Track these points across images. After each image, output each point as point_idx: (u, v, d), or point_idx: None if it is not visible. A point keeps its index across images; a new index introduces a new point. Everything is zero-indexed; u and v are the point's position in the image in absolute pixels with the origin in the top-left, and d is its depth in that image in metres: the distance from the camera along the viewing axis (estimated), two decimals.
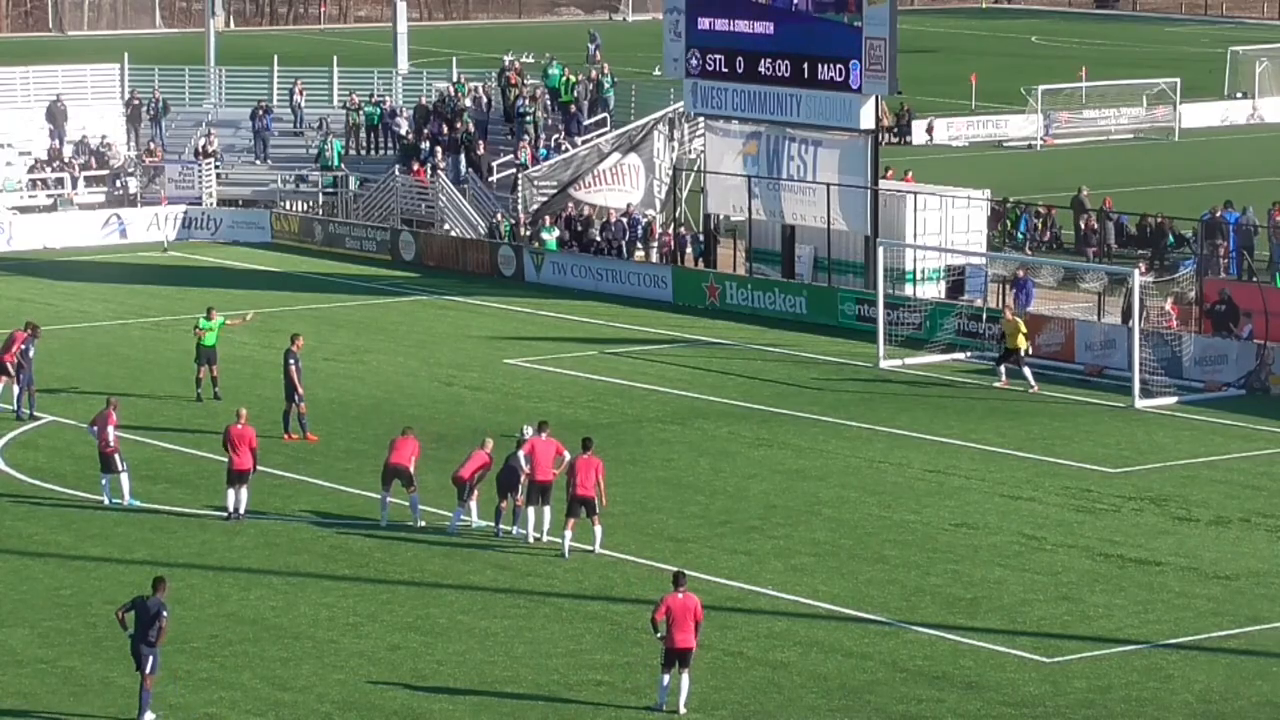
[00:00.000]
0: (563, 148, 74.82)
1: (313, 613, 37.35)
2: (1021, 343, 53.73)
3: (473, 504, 41.55)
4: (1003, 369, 54.04)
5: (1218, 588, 37.95)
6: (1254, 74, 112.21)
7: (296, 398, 48.12)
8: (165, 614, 30.92)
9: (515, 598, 38.37)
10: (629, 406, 51.78)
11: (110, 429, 43.40)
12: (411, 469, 41.95)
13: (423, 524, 42.43)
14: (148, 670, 30.83)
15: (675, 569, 33.06)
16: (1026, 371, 53.56)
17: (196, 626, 35.18)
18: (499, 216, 71.51)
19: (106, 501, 43.13)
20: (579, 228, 70.14)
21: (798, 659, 34.49)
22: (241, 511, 41.92)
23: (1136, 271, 56.29)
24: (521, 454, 41.91)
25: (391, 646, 35.54)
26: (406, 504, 42.01)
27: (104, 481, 43.22)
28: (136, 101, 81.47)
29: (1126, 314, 55.82)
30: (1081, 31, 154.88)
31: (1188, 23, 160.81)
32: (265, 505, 43.37)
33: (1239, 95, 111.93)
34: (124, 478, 43.19)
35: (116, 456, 43.36)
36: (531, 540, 41.21)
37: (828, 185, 63.42)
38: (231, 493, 41.83)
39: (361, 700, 32.81)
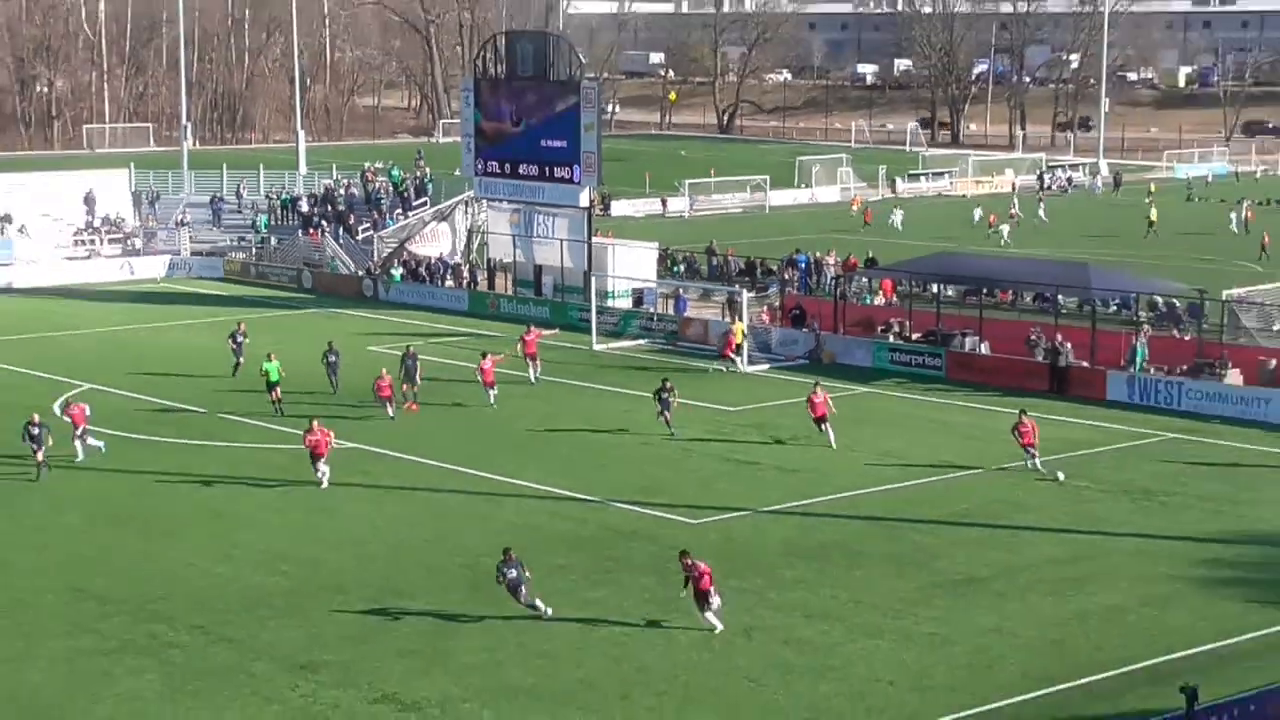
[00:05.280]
0: (400, 218, 77.85)
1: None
2: (740, 339, 54.05)
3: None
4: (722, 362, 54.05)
5: (793, 478, 40.54)
6: (812, 173, 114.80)
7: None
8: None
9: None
10: (436, 370, 52.20)
11: (319, 438, 39.28)
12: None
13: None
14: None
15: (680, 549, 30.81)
16: (739, 363, 54.04)
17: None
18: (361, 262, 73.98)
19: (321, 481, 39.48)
20: (414, 266, 72.24)
21: (547, 522, 36.72)
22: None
23: (744, 291, 59.11)
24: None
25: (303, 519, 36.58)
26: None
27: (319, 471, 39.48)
28: (138, 192, 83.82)
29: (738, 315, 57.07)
30: (712, 147, 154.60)
31: (774, 143, 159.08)
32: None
33: (803, 186, 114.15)
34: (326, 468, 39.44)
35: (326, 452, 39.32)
36: None
37: (561, 240, 65.67)
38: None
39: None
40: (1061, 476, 40.14)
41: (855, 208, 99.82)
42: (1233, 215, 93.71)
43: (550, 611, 30.37)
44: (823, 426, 42.97)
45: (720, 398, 49.78)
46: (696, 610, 29.71)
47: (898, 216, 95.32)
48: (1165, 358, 51.25)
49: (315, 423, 39.81)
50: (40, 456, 40.18)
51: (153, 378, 53.33)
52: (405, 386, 47.71)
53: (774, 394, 50.38)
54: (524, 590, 30.30)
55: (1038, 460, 40.55)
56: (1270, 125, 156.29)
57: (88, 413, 42.61)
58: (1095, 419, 46.92)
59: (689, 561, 29.84)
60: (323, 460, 39.37)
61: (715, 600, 29.80)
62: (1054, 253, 71.46)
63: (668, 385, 45.42)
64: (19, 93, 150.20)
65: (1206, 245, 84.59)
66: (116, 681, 27.66)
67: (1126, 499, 38.97)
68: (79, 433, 41.79)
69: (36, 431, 40.34)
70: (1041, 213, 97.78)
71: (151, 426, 46.58)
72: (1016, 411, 42.10)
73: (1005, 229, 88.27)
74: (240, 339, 52.83)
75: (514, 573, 30.11)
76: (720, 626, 29.65)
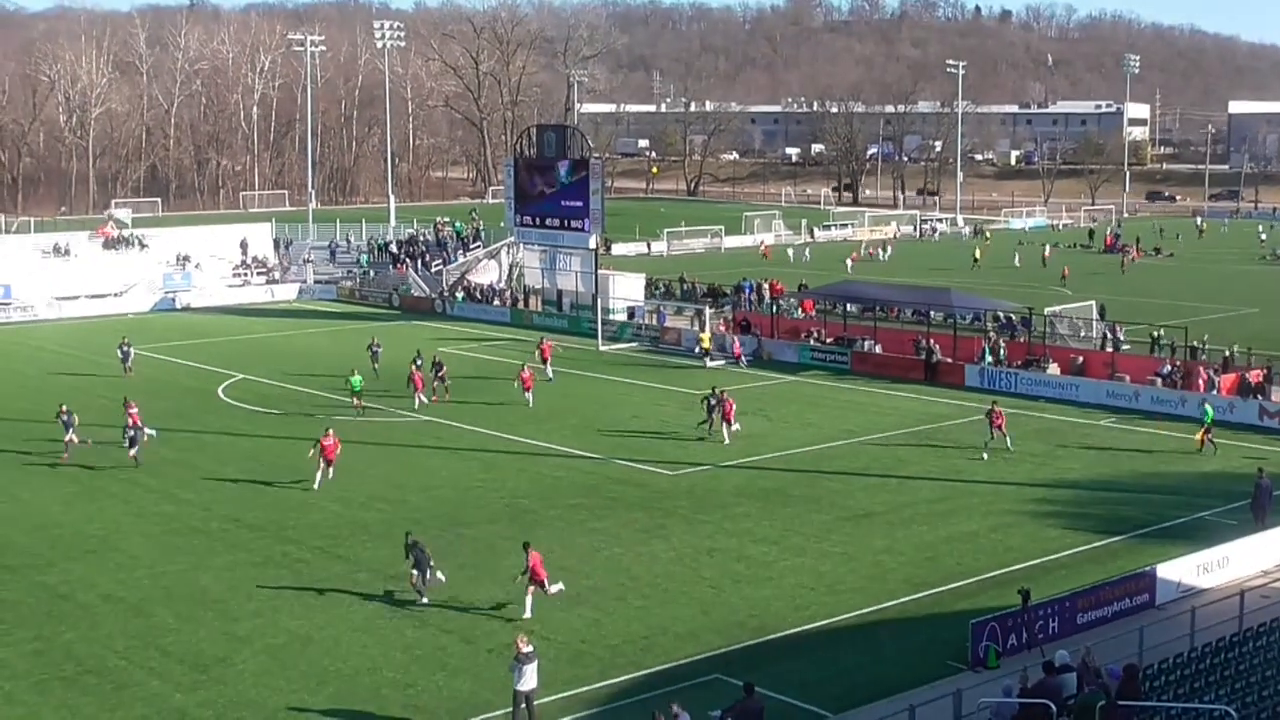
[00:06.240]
0: (461, 256, 76.39)
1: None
2: (707, 344, 53.42)
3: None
4: (707, 360, 52.71)
5: (743, 442, 39.14)
6: (754, 225, 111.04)
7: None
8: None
9: None
10: (486, 368, 51.73)
11: (331, 443, 33.61)
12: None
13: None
14: None
15: None
16: (707, 360, 52.57)
17: None
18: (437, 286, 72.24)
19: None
20: (474, 292, 70.64)
21: (565, 474, 35.73)
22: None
23: (708, 308, 58.99)
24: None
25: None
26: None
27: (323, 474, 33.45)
28: (278, 239, 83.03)
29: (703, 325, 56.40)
30: (682, 206, 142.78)
31: (726, 203, 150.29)
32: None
33: (747, 234, 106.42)
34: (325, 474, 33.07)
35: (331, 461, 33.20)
36: None
37: (576, 272, 65.08)
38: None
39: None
40: (985, 456, 37.34)
41: (762, 249, 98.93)
42: (1016, 254, 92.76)
43: (445, 578, 25.44)
44: (728, 425, 39.17)
45: (690, 384, 48.84)
46: (530, 590, 24.52)
47: (806, 252, 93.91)
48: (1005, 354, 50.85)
49: (331, 431, 34.62)
50: (132, 453, 36.09)
51: (288, 371, 52.64)
52: (437, 383, 45.71)
53: (728, 381, 48.58)
54: (428, 569, 25.32)
55: (1008, 439, 37.71)
56: (1167, 194, 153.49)
57: (136, 410, 37.73)
58: (957, 399, 46.29)
59: (531, 551, 24.73)
60: (330, 465, 33.42)
61: (553, 587, 24.63)
62: (889, 279, 71.69)
63: (718, 392, 39.81)
64: (197, 170, 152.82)
65: (1024, 275, 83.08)
66: (262, 585, 27.43)
67: (979, 455, 38.20)
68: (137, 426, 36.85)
69: (133, 432, 36.23)
70: (884, 255, 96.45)
71: (288, 404, 45.83)
72: (990, 402, 40.08)
73: (849, 264, 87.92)
74: (376, 348, 50.97)
75: (419, 553, 25.39)
76: (558, 588, 24.95)
